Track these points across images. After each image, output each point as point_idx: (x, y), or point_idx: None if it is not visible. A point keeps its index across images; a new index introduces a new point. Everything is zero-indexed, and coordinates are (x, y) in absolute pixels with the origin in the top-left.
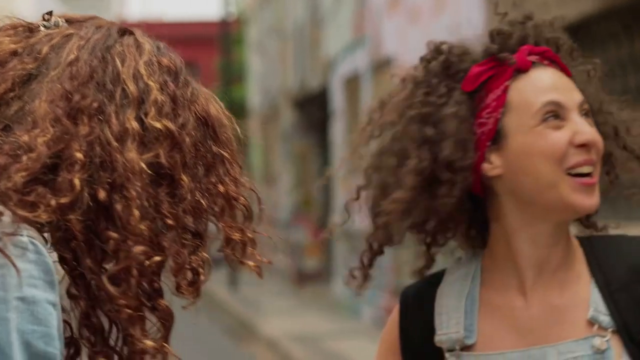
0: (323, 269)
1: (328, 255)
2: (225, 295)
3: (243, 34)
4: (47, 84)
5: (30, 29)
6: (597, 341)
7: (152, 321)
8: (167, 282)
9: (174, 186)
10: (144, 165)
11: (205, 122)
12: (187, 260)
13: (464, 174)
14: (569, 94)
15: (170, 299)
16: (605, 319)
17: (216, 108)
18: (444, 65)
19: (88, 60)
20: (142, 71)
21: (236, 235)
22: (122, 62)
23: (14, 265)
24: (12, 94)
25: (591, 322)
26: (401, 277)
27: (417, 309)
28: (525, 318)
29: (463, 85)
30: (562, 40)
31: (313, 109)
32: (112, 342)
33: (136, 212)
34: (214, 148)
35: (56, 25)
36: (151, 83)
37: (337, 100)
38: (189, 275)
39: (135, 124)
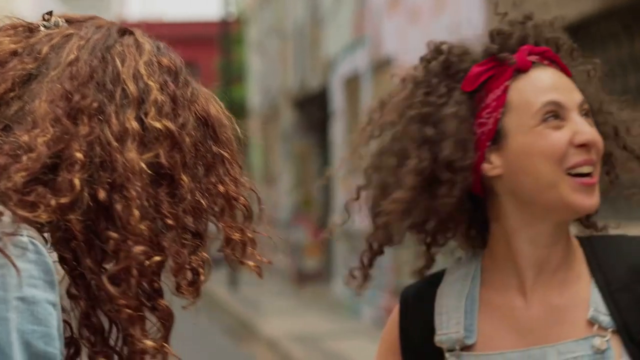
0: (323, 269)
1: (328, 255)
2: (225, 295)
3: (243, 34)
4: (47, 84)
5: (30, 29)
6: (597, 341)
7: (152, 321)
8: (167, 282)
9: (174, 186)
10: (144, 165)
11: (205, 122)
12: (187, 260)
13: (464, 174)
14: (569, 94)
15: (170, 299)
16: (605, 319)
17: (216, 108)
18: (444, 65)
19: (88, 60)
20: (142, 71)
21: (236, 235)
22: (122, 62)
23: (14, 265)
24: (12, 94)
25: (591, 322)
26: (401, 277)
27: (417, 309)
28: (525, 318)
29: (463, 85)
30: (562, 40)
31: (313, 109)
32: (112, 342)
33: (136, 212)
34: (214, 148)
35: (56, 25)
36: (151, 83)
37: (337, 100)
38: (189, 275)
39: (135, 124)
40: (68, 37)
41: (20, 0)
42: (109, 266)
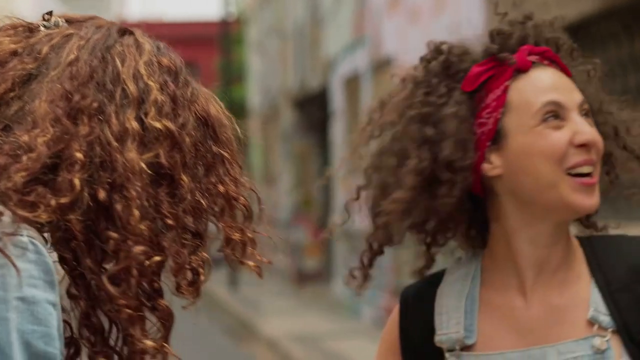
0: (323, 269)
1: (328, 255)
2: (225, 295)
3: (243, 34)
4: (47, 84)
5: (30, 29)
6: (597, 341)
7: (152, 321)
8: (167, 282)
9: (174, 186)
10: (143, 165)
11: (205, 122)
12: (187, 260)
13: (464, 174)
14: (569, 94)
15: (170, 299)
16: (605, 319)
17: (216, 108)
18: (444, 65)
19: (88, 60)
20: (142, 71)
21: (236, 235)
22: (122, 62)
23: (14, 265)
24: (12, 94)
25: (591, 322)
26: (401, 277)
27: (417, 309)
28: (525, 318)
29: (463, 85)
30: (561, 40)
31: (313, 109)
32: (112, 342)
33: (136, 212)
34: (214, 148)
35: (56, 25)
36: (151, 83)
37: (337, 100)
38: (189, 275)
39: (135, 124)
40: (68, 37)
41: (21, 0)
42: (109, 266)
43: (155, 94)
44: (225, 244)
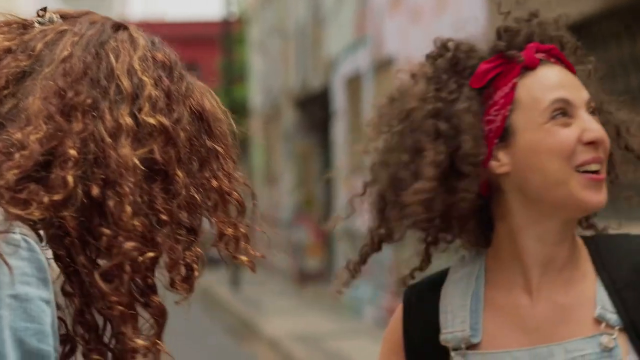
0: (325, 269)
1: (329, 255)
2: (227, 295)
3: (245, 33)
4: (41, 81)
5: (25, 26)
6: (605, 339)
7: (145, 318)
8: (161, 278)
9: (168, 182)
10: (137, 161)
11: (200, 117)
12: (181, 256)
13: (479, 169)
14: (577, 91)
15: (164, 295)
16: (612, 316)
17: (211, 102)
18: (452, 62)
19: (82, 57)
20: (136, 66)
21: (229, 231)
22: (116, 57)
23: (6, 263)
24: (5, 92)
25: (598, 320)
26: None
27: (421, 308)
28: (531, 317)
29: (471, 82)
30: (565, 38)
31: (315, 108)
32: (106, 340)
33: (128, 209)
34: (208, 143)
35: (50, 22)
36: (145, 78)
37: (339, 100)
38: (183, 270)
39: (129, 120)
40: (62, 33)
41: (22, 0)
42: (102, 262)
43: (150, 90)
44: (218, 239)
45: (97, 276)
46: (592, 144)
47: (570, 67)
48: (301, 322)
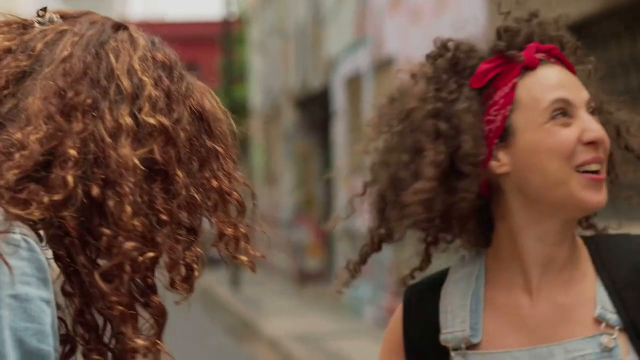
0: (325, 269)
1: (329, 255)
2: (227, 295)
3: (245, 33)
4: (41, 81)
5: (25, 26)
6: (605, 339)
7: (145, 318)
8: (161, 279)
9: (168, 181)
10: (137, 161)
11: (200, 117)
12: (181, 256)
13: (479, 169)
14: (577, 91)
15: (164, 294)
16: (612, 316)
17: (211, 102)
18: (452, 62)
19: (82, 57)
20: (136, 66)
21: (229, 231)
22: (116, 57)
23: (6, 263)
24: (5, 92)
25: (598, 320)
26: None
27: (421, 308)
28: (530, 317)
29: (471, 82)
30: (565, 38)
31: (315, 108)
32: (106, 340)
33: (128, 209)
34: (208, 142)
35: (50, 22)
36: (145, 78)
37: (339, 100)
38: (183, 270)
39: (129, 120)
40: (62, 33)
41: (22, 0)
42: (102, 263)
43: (150, 90)
44: (218, 239)
45: (97, 276)
46: (592, 144)
47: (570, 67)
48: (301, 322)
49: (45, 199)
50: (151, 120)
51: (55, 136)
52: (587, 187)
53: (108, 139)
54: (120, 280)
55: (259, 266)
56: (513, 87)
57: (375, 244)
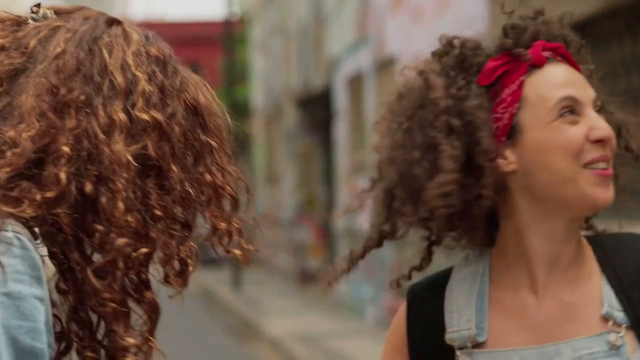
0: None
1: (331, 255)
2: (228, 295)
3: (246, 33)
4: (34, 78)
5: (18, 23)
6: (612, 337)
7: (138, 314)
8: (156, 275)
9: (162, 177)
10: (130, 157)
11: (195, 111)
12: (175, 251)
13: (494, 166)
14: (584, 89)
15: (162, 295)
16: (619, 314)
17: (206, 96)
18: (459, 59)
19: (75, 53)
20: (130, 62)
21: (222, 225)
22: (110, 53)
23: None
24: None
25: (605, 319)
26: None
27: (425, 307)
28: (536, 315)
29: (479, 79)
30: (570, 37)
31: (316, 108)
32: (99, 337)
33: (120, 205)
34: (202, 137)
35: (44, 18)
36: (139, 74)
37: (341, 99)
38: (177, 265)
39: (122, 116)
40: (55, 29)
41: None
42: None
43: (143, 85)
44: (211, 234)
45: (89, 273)
46: (600, 142)
47: (575, 66)
48: (303, 322)
49: (38, 197)
50: (145, 116)
51: (48, 133)
52: (595, 184)
53: (101, 135)
54: (113, 277)
55: (260, 266)
56: (520, 85)
57: (378, 240)
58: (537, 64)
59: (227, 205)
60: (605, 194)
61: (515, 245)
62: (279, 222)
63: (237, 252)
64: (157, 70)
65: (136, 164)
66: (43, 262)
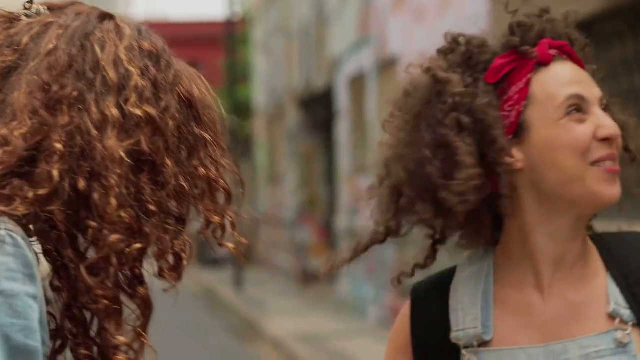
0: None
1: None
2: (230, 295)
3: (248, 33)
4: (26, 75)
5: (11, 20)
6: (619, 334)
7: (131, 309)
8: (151, 271)
9: (156, 172)
10: (122, 153)
11: (189, 104)
12: (169, 245)
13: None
14: (590, 88)
15: (152, 285)
16: (625, 312)
17: (200, 89)
18: (466, 56)
19: (67, 50)
20: (123, 57)
21: (215, 219)
22: (102, 48)
23: None
24: None
25: (612, 316)
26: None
27: (429, 306)
28: (542, 314)
29: (486, 77)
30: (574, 35)
31: (318, 108)
32: (93, 334)
33: (113, 201)
34: (196, 130)
35: (37, 14)
36: (132, 69)
37: (342, 99)
38: (172, 259)
39: (115, 112)
40: (47, 25)
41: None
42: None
43: (136, 80)
44: (204, 227)
45: (82, 269)
46: (607, 140)
47: (580, 64)
48: (304, 322)
49: (30, 194)
50: (138, 112)
51: (40, 131)
52: (603, 181)
53: (94, 132)
54: (106, 274)
55: (261, 266)
56: (527, 83)
57: (384, 234)
58: (544, 62)
59: (221, 198)
60: (612, 190)
61: (520, 244)
62: (280, 222)
63: (231, 245)
64: (150, 65)
65: (129, 160)
66: (38, 259)
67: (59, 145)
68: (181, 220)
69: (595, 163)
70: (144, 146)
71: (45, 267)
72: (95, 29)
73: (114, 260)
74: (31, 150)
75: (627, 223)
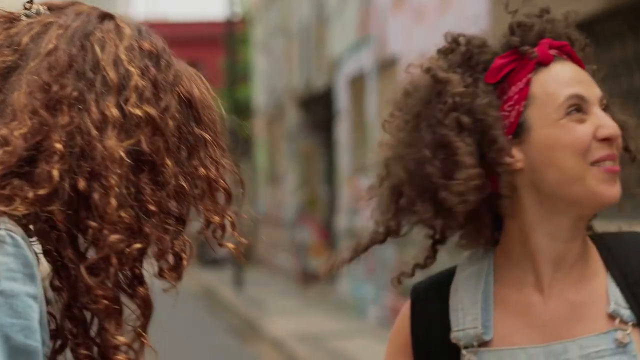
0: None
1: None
2: (230, 295)
3: (248, 33)
4: (26, 75)
5: (11, 20)
6: (620, 334)
7: (131, 309)
8: (151, 271)
9: (156, 172)
10: (122, 153)
11: (189, 104)
12: (169, 245)
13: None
14: (590, 88)
15: (152, 285)
16: (625, 312)
17: (200, 89)
18: (466, 56)
19: (67, 50)
20: (123, 57)
21: (215, 219)
22: (102, 48)
23: None
24: None
25: (612, 316)
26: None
27: (429, 306)
28: (542, 314)
29: (486, 77)
30: (574, 35)
31: (318, 108)
32: (93, 334)
33: (113, 201)
34: (196, 130)
35: (37, 14)
36: (132, 69)
37: (342, 99)
38: (172, 259)
39: (115, 112)
40: (47, 25)
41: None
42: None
43: (136, 80)
44: (205, 227)
45: (82, 269)
46: (607, 140)
47: (580, 64)
48: (304, 322)
49: (30, 194)
50: (138, 112)
51: (40, 131)
52: (603, 181)
53: (94, 132)
54: (106, 274)
55: (262, 266)
56: (527, 83)
57: (382, 235)
58: (544, 62)
59: (221, 198)
60: (612, 190)
61: (520, 244)
62: (280, 222)
63: (231, 245)
64: (150, 65)
65: (129, 160)
66: (38, 259)
67: (59, 145)
68: (181, 220)
69: (595, 163)
70: (144, 146)
71: (45, 267)
72: (95, 29)
73: (114, 260)
74: (31, 150)
75: (627, 223)
